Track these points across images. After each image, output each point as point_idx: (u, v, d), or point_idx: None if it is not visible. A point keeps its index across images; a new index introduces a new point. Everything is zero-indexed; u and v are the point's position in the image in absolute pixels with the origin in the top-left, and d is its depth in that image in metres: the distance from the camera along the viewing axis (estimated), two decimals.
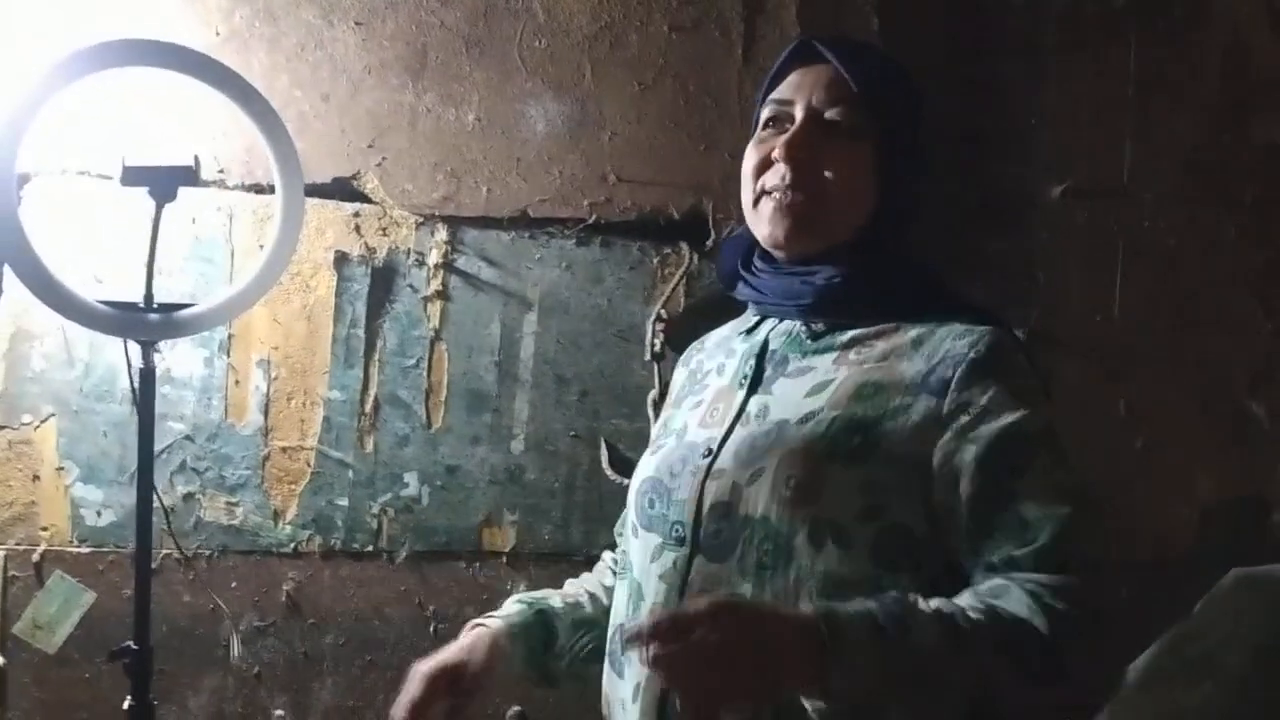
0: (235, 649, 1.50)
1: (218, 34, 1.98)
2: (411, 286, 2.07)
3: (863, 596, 1.03)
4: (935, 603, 1.02)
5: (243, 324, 2.02)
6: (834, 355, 1.19)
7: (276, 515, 2.05)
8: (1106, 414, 2.21)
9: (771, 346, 1.24)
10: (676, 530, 1.18)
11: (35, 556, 1.97)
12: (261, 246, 1.96)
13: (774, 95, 1.25)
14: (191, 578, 2.01)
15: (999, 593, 1.05)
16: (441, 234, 2.08)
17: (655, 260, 2.13)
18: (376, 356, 2.07)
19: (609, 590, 1.35)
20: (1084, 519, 1.10)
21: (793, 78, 1.24)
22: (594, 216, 2.10)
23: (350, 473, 2.07)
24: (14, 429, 1.96)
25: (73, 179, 1.95)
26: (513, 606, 1.34)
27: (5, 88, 1.82)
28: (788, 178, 1.20)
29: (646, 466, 1.26)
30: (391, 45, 2.04)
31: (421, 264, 2.08)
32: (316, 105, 2.02)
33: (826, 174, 1.19)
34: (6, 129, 1.47)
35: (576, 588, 1.41)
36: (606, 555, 1.45)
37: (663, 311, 2.11)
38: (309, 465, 2.06)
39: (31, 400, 1.97)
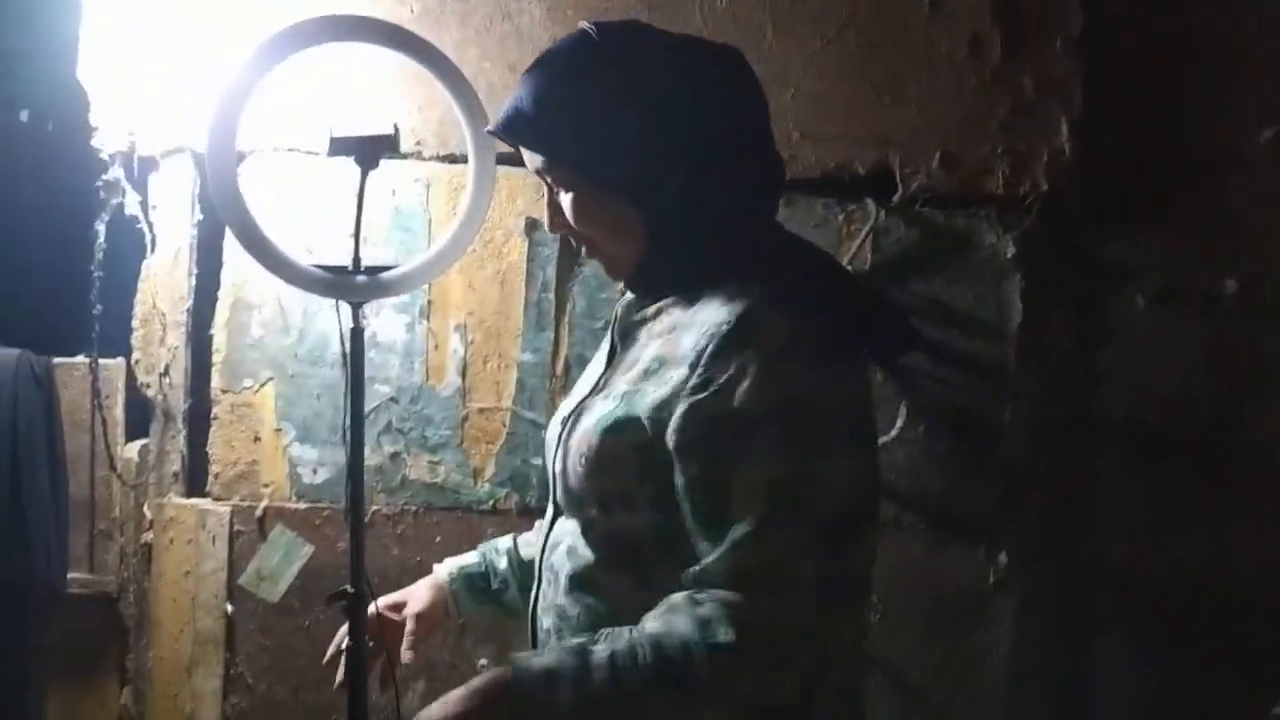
0: (453, 611, 1.60)
1: (412, 11, 2.06)
2: None
3: (659, 547, 1.19)
4: (608, 647, 1.11)
5: (440, 290, 2.10)
6: (648, 326, 1.27)
7: (476, 474, 2.13)
8: None
9: (619, 318, 1.34)
10: (552, 491, 1.35)
11: (258, 512, 2.11)
12: (456, 213, 2.04)
13: None
14: (399, 532, 2.11)
15: (670, 619, 1.10)
16: None
17: (840, 217, 2.10)
18: (566, 319, 2.12)
19: None
20: (784, 524, 1.08)
21: None
22: None
23: (543, 432, 2.12)
24: (236, 393, 2.11)
25: (283, 155, 2.07)
26: (470, 554, 1.61)
27: (212, 69, 1.96)
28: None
29: (553, 419, 1.43)
30: (575, 13, 2.07)
31: None
32: (504, 76, 2.08)
33: (576, 227, 1.27)
34: (226, 107, 1.57)
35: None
36: None
37: (849, 268, 2.08)
38: (504, 425, 2.13)
39: (251, 365, 2.10)
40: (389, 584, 2.09)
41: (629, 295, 1.34)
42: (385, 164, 1.64)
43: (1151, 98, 2.08)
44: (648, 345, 1.25)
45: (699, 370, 1.14)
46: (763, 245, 1.26)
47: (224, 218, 1.62)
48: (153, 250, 2.10)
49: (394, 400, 2.12)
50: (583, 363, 2.10)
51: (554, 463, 1.33)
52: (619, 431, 1.20)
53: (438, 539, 2.12)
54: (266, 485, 2.11)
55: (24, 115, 2.83)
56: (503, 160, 1.74)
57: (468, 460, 2.14)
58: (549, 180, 1.28)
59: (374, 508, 2.11)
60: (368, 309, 1.66)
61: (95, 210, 2.00)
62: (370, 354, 2.05)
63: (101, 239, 2.00)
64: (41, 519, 1.93)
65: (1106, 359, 2.12)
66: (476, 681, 1.20)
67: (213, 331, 2.10)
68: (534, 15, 2.08)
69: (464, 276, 2.10)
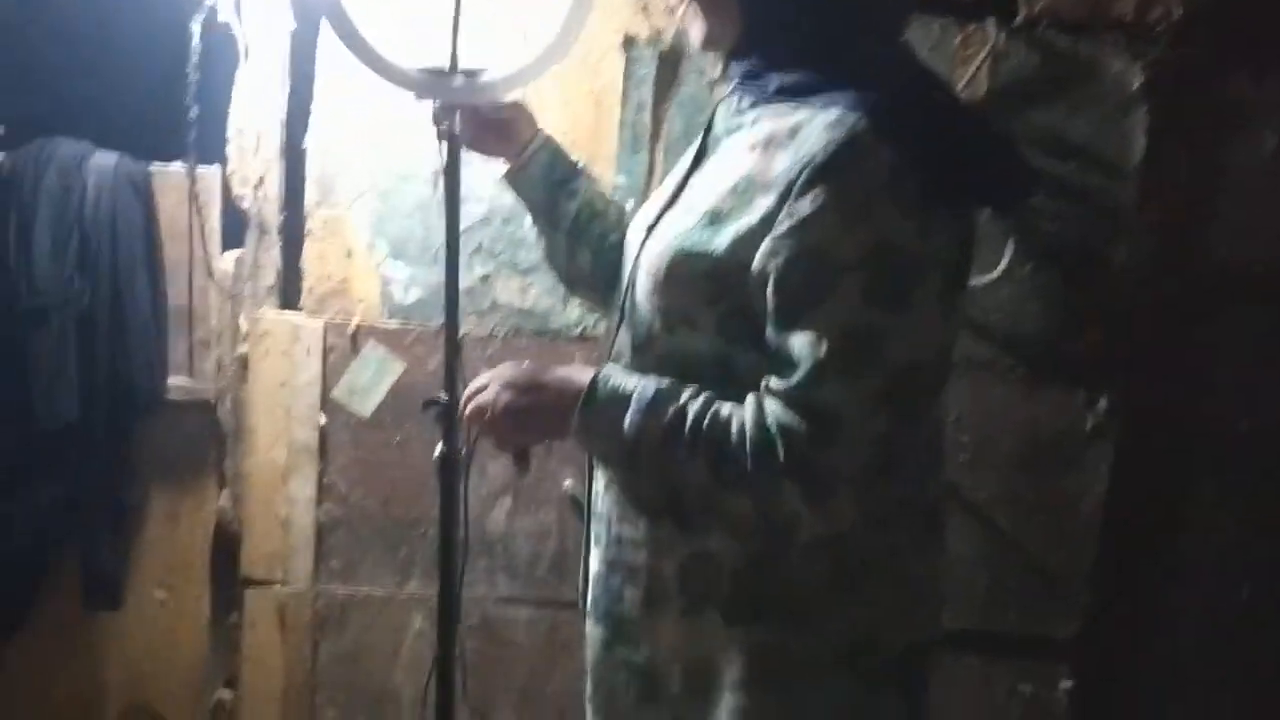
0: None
1: None
2: (698, 70, 2.03)
3: (716, 370, 1.15)
4: (692, 404, 1.11)
5: (535, 110, 2.04)
6: (744, 134, 1.17)
7: (565, 299, 2.11)
8: None
9: (715, 118, 1.25)
10: (620, 295, 1.31)
11: (350, 328, 2.12)
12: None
13: None
14: (488, 355, 2.12)
15: (739, 410, 1.10)
16: None
17: (957, 39, 1.98)
18: (662, 142, 2.06)
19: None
20: (842, 368, 1.04)
21: None
22: None
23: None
24: (329, 207, 2.10)
25: None
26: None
27: None
28: None
29: (634, 216, 1.37)
30: None
31: None
32: None
33: None
34: None
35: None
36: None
37: (964, 95, 1.97)
38: None
39: (344, 180, 2.09)
40: None
41: (728, 96, 1.24)
42: None
43: None
44: (740, 158, 1.16)
45: (789, 202, 1.06)
46: (880, 63, 1.14)
47: (326, 13, 1.58)
48: (246, 58, 2.07)
49: (486, 221, 2.10)
50: None
51: (628, 270, 1.29)
52: (694, 252, 1.15)
53: (526, 363, 2.12)
54: (359, 301, 2.12)
55: None
56: None
57: (557, 285, 2.11)
58: None
59: (463, 331, 2.10)
60: None
61: (189, 12, 1.96)
62: (463, 174, 2.02)
63: (196, 39, 1.97)
64: (142, 324, 1.97)
65: (1227, 203, 2.02)
66: (560, 370, 1.24)
67: (306, 145, 2.09)
68: None
69: (559, 95, 2.04)
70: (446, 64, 1.57)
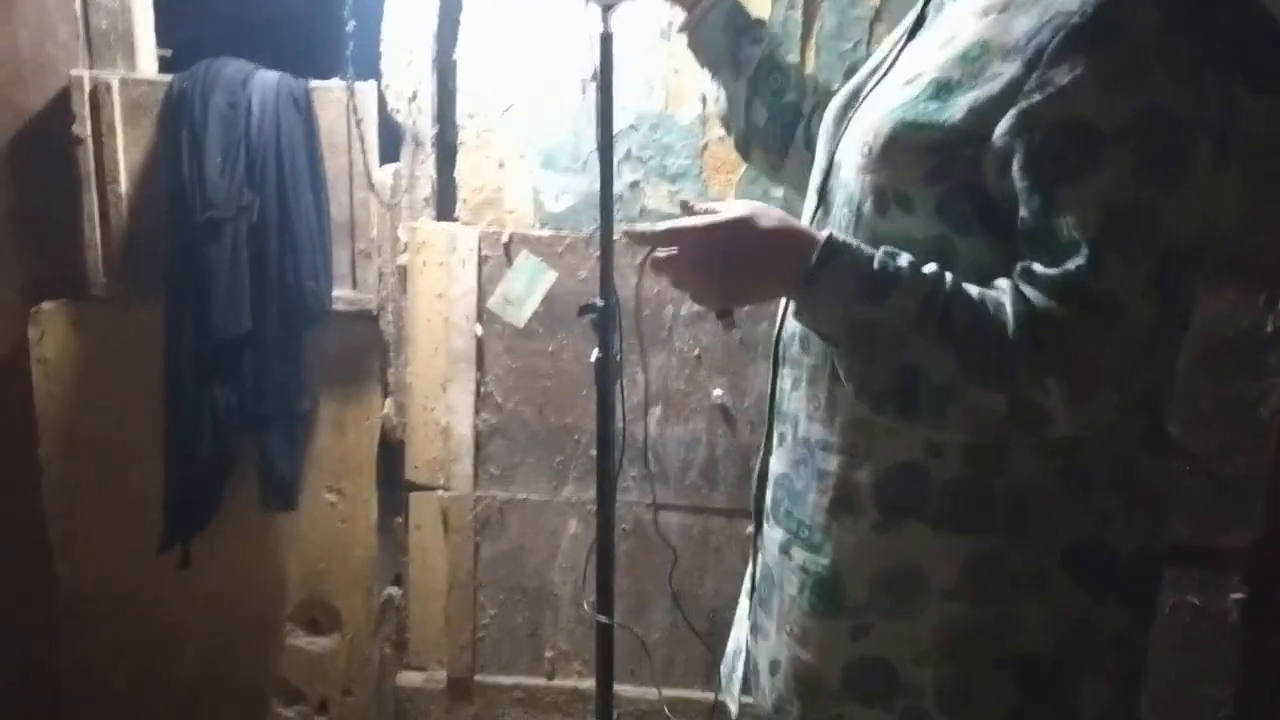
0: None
1: None
2: None
3: (931, 258, 1.04)
4: (941, 283, 1.01)
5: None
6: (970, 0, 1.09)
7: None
8: None
9: None
10: (818, 178, 1.22)
11: (504, 238, 2.15)
12: None
13: None
14: (637, 262, 2.11)
15: (993, 294, 1.02)
16: None
17: None
18: (813, 39, 2.01)
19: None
20: (1118, 250, 0.95)
21: None
22: None
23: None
24: (482, 118, 2.12)
25: None
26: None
27: None
28: None
29: (832, 99, 1.28)
30: None
31: None
32: None
33: None
34: None
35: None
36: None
37: None
38: None
39: (494, 91, 2.10)
40: (627, 314, 2.13)
41: None
42: None
43: None
44: (968, 23, 1.06)
45: (1040, 68, 0.97)
46: None
47: None
48: None
49: (633, 128, 2.09)
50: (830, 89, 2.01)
51: (827, 147, 1.22)
52: (919, 124, 1.05)
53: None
54: (511, 211, 2.15)
55: None
56: None
57: (707, 191, 2.10)
58: None
59: (614, 237, 2.11)
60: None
61: None
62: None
63: None
64: (308, 236, 2.04)
65: None
66: (782, 220, 1.09)
67: (456, 56, 2.11)
68: None
69: None
70: None
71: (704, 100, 2.05)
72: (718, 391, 2.15)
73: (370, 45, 2.11)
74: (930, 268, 1.03)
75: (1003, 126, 1.00)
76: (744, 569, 1.39)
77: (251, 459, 2.17)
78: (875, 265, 1.03)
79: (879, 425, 1.11)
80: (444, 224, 2.18)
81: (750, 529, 1.34)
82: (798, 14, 1.99)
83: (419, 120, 2.15)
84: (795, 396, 1.22)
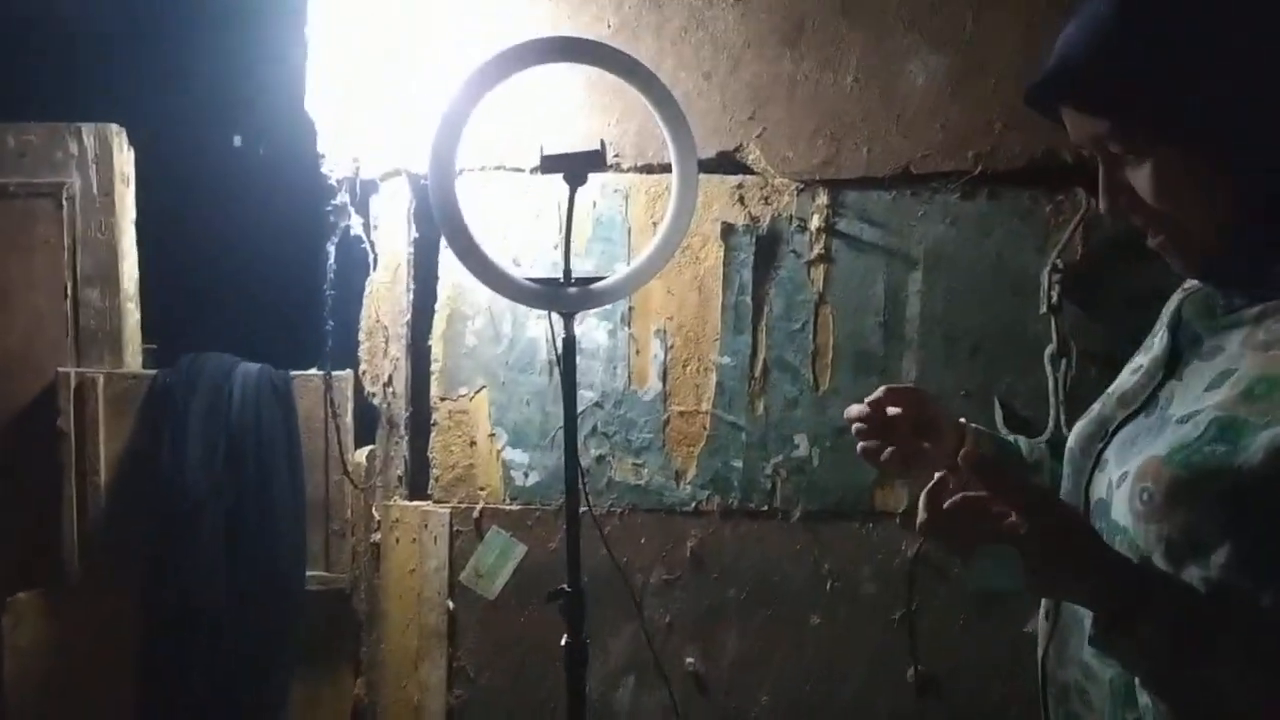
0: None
1: (609, 26, 2.12)
2: (795, 252, 2.12)
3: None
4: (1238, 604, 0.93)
5: (641, 297, 2.15)
6: (1243, 333, 1.01)
7: (678, 476, 2.18)
8: None
9: (1184, 316, 1.09)
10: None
11: (475, 513, 2.21)
12: (655, 223, 2.10)
13: None
14: (606, 532, 2.18)
15: None
16: (823, 198, 2.11)
17: (1048, 208, 2.04)
18: (764, 322, 2.14)
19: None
20: None
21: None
22: (979, 167, 2.05)
23: (743, 435, 2.15)
24: (453, 400, 2.22)
25: (490, 174, 2.17)
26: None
27: (423, 97, 2.07)
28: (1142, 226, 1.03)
29: (1076, 427, 1.17)
30: (768, 17, 2.09)
31: (804, 229, 2.12)
32: (699, 84, 2.12)
33: (1152, 204, 0.99)
34: (445, 131, 1.66)
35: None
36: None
37: (1059, 261, 2.02)
38: (705, 428, 2.17)
39: (466, 374, 2.21)
40: (599, 582, 2.18)
41: (1201, 288, 1.08)
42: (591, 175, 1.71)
43: None
44: (1241, 358, 0.99)
45: None
46: None
47: (447, 236, 1.72)
48: (374, 268, 2.24)
49: (599, 405, 2.19)
50: (782, 365, 2.13)
51: (1075, 479, 1.13)
52: (1207, 469, 0.95)
53: (642, 540, 2.18)
54: (482, 488, 2.22)
55: (237, 140, 3.08)
56: (698, 168, 1.78)
57: (670, 462, 2.18)
58: (1110, 150, 1.00)
59: (581, 510, 2.17)
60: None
61: (325, 233, 2.15)
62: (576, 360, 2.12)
63: (332, 260, 2.14)
64: (284, 519, 2.09)
65: None
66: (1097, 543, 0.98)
67: (430, 342, 2.23)
68: (727, 21, 2.11)
69: (663, 282, 2.14)
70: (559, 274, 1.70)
71: (664, 377, 2.17)
72: (690, 660, 2.17)
73: (353, 332, 2.23)
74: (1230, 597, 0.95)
75: None
76: None
77: None
78: (1158, 575, 0.97)
79: None
80: (417, 502, 2.24)
81: None
82: (748, 299, 2.14)
83: (394, 404, 2.25)
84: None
